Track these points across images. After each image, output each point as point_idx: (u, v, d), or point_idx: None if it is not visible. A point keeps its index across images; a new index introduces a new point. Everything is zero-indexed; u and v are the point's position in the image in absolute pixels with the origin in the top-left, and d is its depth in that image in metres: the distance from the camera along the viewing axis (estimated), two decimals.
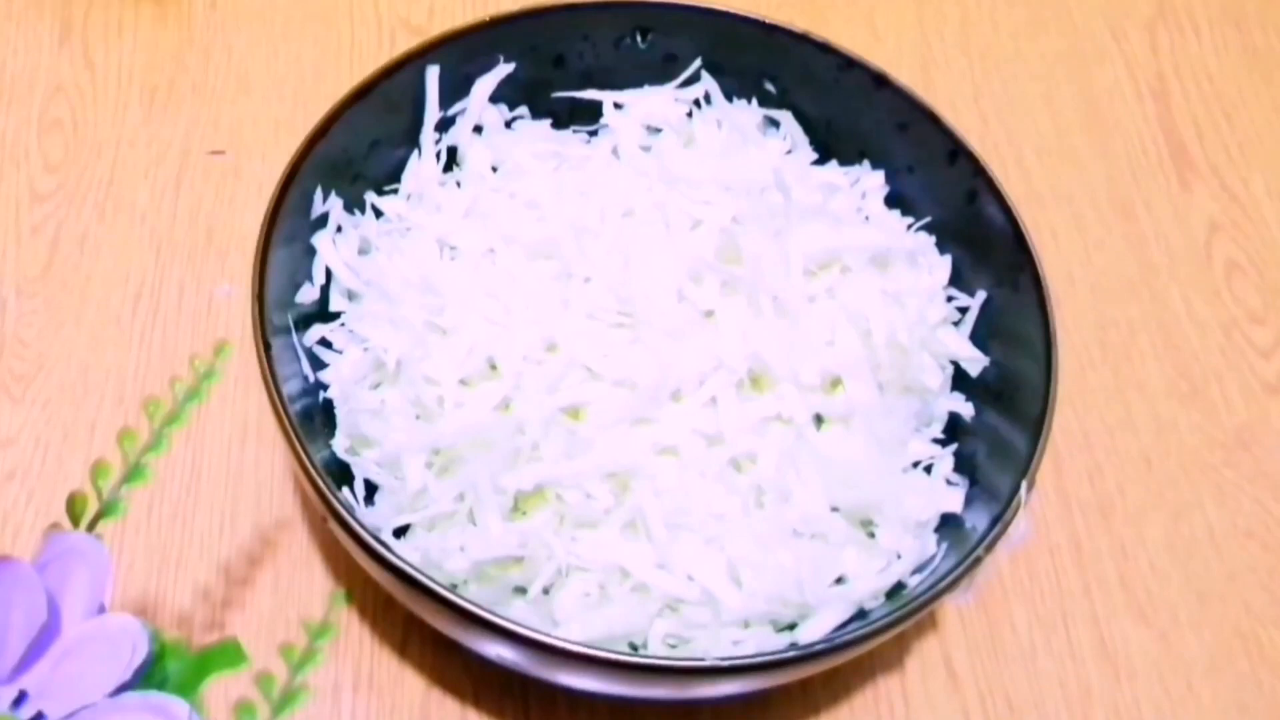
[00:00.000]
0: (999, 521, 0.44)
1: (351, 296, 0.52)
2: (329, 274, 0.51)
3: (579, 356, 0.48)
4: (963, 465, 0.50)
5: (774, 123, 0.57)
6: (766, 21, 0.55)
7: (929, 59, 0.69)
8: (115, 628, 0.34)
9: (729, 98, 0.56)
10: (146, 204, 0.60)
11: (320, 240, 0.51)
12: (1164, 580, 0.54)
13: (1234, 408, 0.59)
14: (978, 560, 0.43)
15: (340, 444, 0.48)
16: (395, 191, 0.54)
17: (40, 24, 0.65)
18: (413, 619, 0.49)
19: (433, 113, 0.54)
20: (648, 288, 0.50)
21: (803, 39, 0.55)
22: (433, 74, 0.53)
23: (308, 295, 0.50)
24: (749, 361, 0.48)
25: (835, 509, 0.48)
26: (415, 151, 0.54)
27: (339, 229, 0.52)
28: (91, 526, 0.36)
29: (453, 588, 0.42)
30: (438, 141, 0.54)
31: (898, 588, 0.47)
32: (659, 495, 0.46)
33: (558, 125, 0.57)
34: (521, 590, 0.46)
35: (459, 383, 0.48)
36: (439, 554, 0.46)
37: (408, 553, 0.44)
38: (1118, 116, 0.68)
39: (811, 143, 0.57)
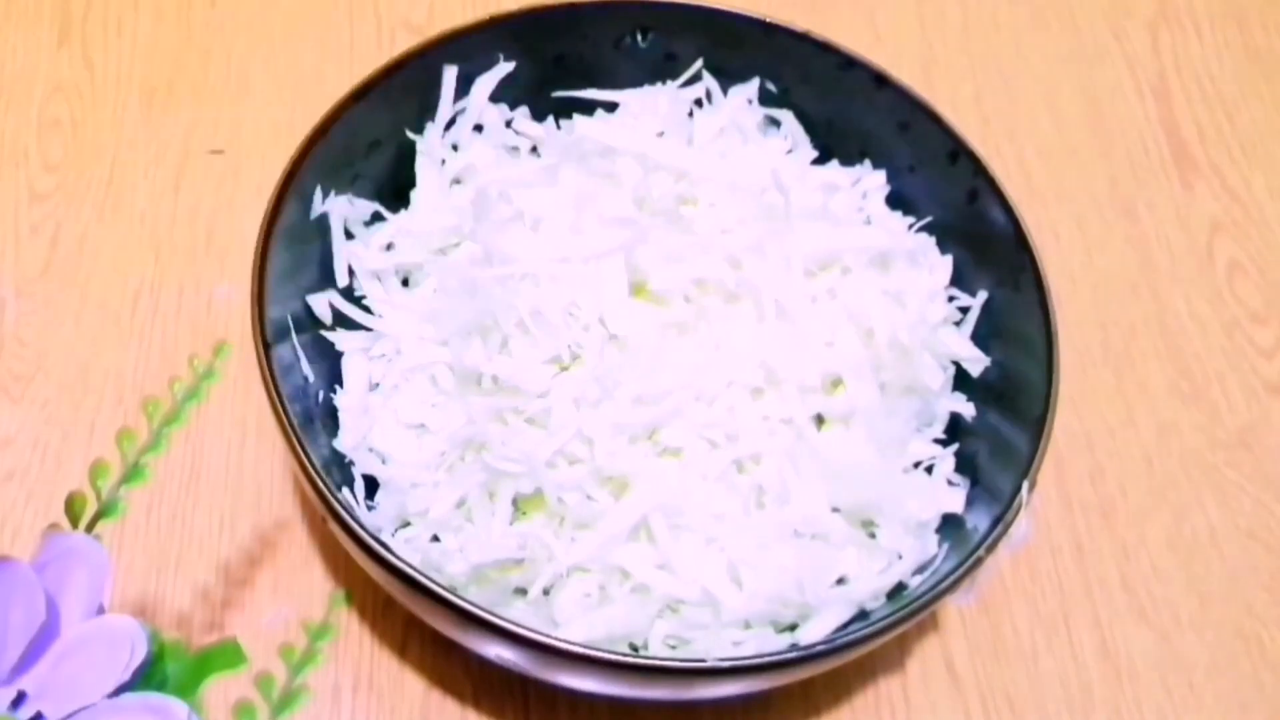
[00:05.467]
0: (1000, 522, 0.44)
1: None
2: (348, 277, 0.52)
3: (592, 373, 0.48)
4: (964, 465, 0.50)
5: (775, 122, 0.57)
6: (767, 21, 0.55)
7: (930, 58, 0.69)
8: (114, 628, 0.34)
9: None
10: (146, 204, 0.60)
11: (349, 248, 0.52)
12: (1165, 581, 0.54)
13: (1236, 408, 0.59)
14: (979, 561, 0.43)
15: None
16: (394, 193, 0.54)
17: (40, 24, 0.65)
18: (413, 620, 0.49)
19: (445, 112, 0.54)
20: (655, 292, 0.50)
21: (803, 38, 0.55)
22: (450, 74, 0.53)
23: (325, 303, 0.51)
24: (760, 370, 0.48)
25: (836, 509, 0.48)
26: (418, 154, 0.54)
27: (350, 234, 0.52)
28: (90, 527, 0.36)
29: (453, 590, 0.42)
30: (442, 137, 0.55)
31: (899, 588, 0.47)
32: (660, 496, 0.46)
33: (558, 125, 0.57)
34: (522, 591, 0.46)
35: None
36: (439, 556, 0.46)
37: (408, 554, 0.44)
38: (1119, 116, 0.68)
39: (812, 142, 0.57)
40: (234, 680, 0.34)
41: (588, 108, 0.56)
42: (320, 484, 0.43)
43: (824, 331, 0.50)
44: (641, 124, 0.55)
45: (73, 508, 0.36)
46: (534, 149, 0.56)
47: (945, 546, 0.47)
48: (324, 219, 0.51)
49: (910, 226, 0.54)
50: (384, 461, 0.49)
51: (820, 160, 0.57)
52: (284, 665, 0.34)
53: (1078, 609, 0.53)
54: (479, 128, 0.56)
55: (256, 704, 0.33)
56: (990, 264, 0.52)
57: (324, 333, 0.51)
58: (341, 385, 0.50)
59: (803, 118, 0.56)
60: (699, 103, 0.57)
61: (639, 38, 0.56)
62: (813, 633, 0.45)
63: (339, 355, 0.51)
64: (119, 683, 0.33)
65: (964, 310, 0.53)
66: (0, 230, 0.59)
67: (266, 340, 0.46)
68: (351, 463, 0.48)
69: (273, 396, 0.44)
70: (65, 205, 0.60)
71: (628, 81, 0.56)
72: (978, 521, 0.47)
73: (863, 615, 0.46)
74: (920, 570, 0.47)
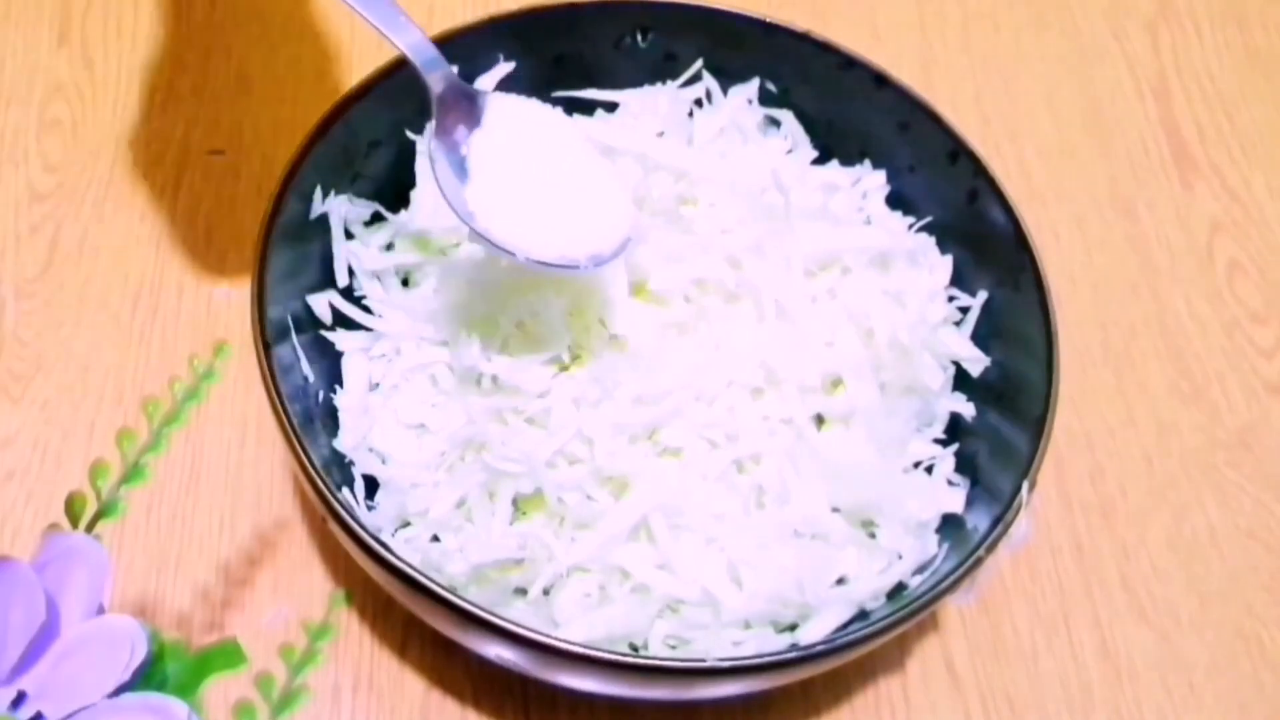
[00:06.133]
0: (1000, 522, 0.44)
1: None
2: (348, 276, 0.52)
3: (593, 373, 0.48)
4: (964, 465, 0.50)
5: (775, 122, 0.57)
6: (767, 21, 0.55)
7: (930, 58, 0.69)
8: (114, 628, 0.34)
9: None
10: (146, 204, 0.60)
11: (349, 248, 0.52)
12: (1165, 581, 0.54)
13: (1236, 408, 0.59)
14: (979, 561, 0.43)
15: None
16: (394, 193, 0.54)
17: (40, 24, 0.65)
18: (413, 620, 0.49)
19: None
20: (655, 292, 0.50)
21: (803, 38, 0.55)
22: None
23: (325, 303, 0.51)
24: (760, 370, 0.48)
25: (836, 509, 0.48)
26: (418, 154, 0.54)
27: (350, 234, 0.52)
28: (90, 527, 0.36)
29: (453, 590, 0.42)
30: None
31: (899, 588, 0.47)
32: (660, 496, 0.46)
33: None
34: (522, 591, 0.46)
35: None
36: (439, 556, 0.46)
37: (408, 554, 0.44)
38: (1119, 116, 0.68)
39: (812, 142, 0.57)
40: (234, 680, 0.34)
41: (588, 108, 0.56)
42: (320, 484, 0.43)
43: (824, 331, 0.50)
44: (641, 124, 0.55)
45: (73, 507, 0.36)
46: None
47: (945, 546, 0.47)
48: (324, 219, 0.51)
49: (910, 226, 0.54)
50: (384, 461, 0.49)
51: (820, 160, 0.57)
52: (284, 665, 0.34)
53: (1078, 609, 0.53)
54: None
55: (256, 704, 0.33)
56: (990, 264, 0.52)
57: (324, 333, 0.51)
58: (341, 385, 0.50)
59: (803, 118, 0.56)
60: (699, 103, 0.57)
61: (639, 38, 0.56)
62: (813, 633, 0.45)
63: (339, 355, 0.51)
64: (119, 683, 0.33)
65: (964, 310, 0.53)
66: (0, 230, 0.59)
67: (266, 340, 0.46)
68: (351, 463, 0.48)
69: (273, 396, 0.44)
70: (65, 205, 0.60)
71: (628, 81, 0.56)
72: (978, 521, 0.47)
73: (863, 615, 0.46)
74: (920, 570, 0.47)
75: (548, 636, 0.41)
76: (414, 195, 0.54)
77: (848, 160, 0.56)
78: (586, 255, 0.46)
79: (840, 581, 0.47)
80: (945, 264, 0.54)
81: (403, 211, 0.54)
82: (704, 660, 0.41)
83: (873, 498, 0.48)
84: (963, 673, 0.51)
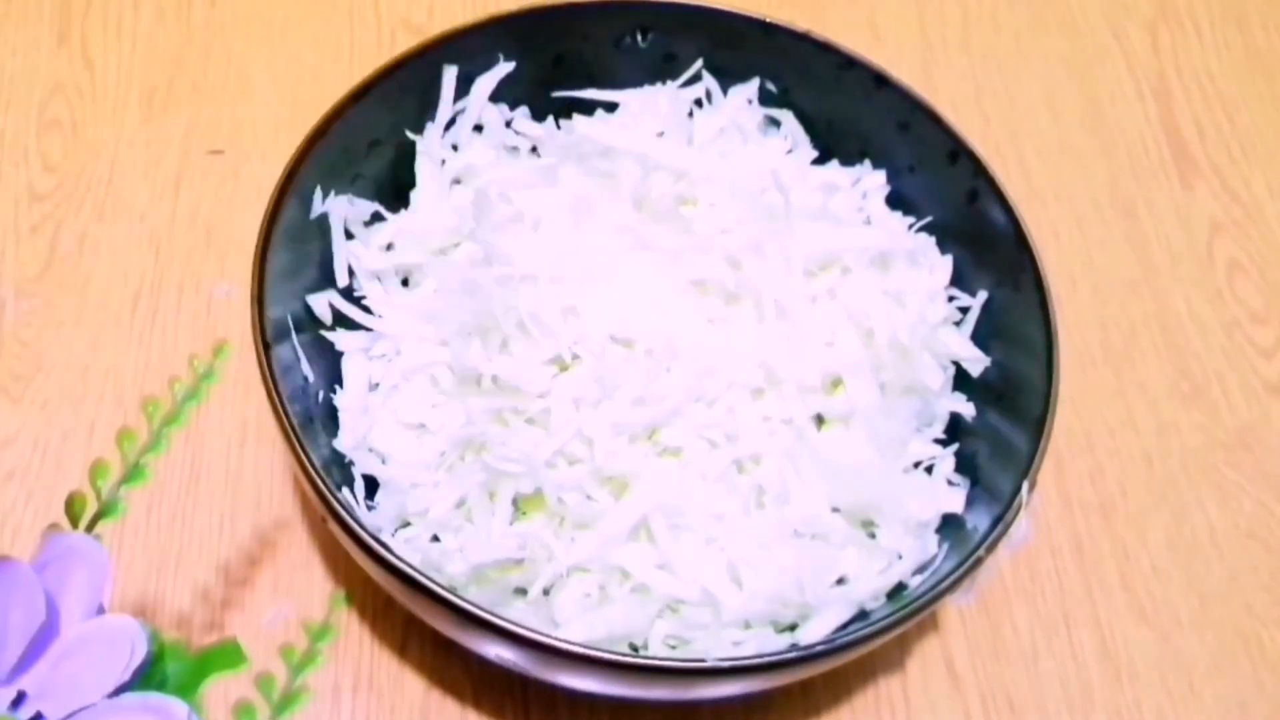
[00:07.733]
0: (1000, 522, 0.44)
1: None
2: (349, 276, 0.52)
3: (592, 373, 0.48)
4: (964, 465, 0.50)
5: (775, 122, 0.57)
6: (767, 21, 0.55)
7: (930, 58, 0.69)
8: (114, 628, 0.34)
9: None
10: (146, 204, 0.60)
11: (349, 248, 0.52)
12: (1165, 581, 0.54)
13: (1236, 408, 0.59)
14: (979, 561, 0.43)
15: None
16: (394, 193, 0.54)
17: (39, 24, 0.65)
18: (413, 620, 0.49)
19: (445, 112, 0.54)
20: (653, 297, 0.50)
21: (803, 38, 0.55)
22: (450, 74, 0.53)
23: (325, 303, 0.51)
24: (760, 370, 0.48)
25: (836, 509, 0.48)
26: (418, 154, 0.54)
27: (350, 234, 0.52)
28: (90, 527, 0.36)
29: (453, 590, 0.42)
30: (442, 137, 0.55)
31: (899, 588, 0.47)
32: (660, 496, 0.46)
33: (558, 125, 0.57)
34: (522, 591, 0.46)
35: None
36: (439, 556, 0.46)
37: (408, 554, 0.44)
38: (1119, 116, 0.68)
39: (812, 142, 0.57)
40: (234, 680, 0.34)
41: (588, 108, 0.56)
42: (320, 484, 0.43)
43: (824, 331, 0.50)
44: (641, 124, 0.55)
45: (73, 507, 0.36)
46: (534, 149, 0.56)
47: (945, 546, 0.47)
48: (324, 219, 0.51)
49: (910, 226, 0.54)
50: (384, 461, 0.49)
51: (820, 160, 0.57)
52: (284, 665, 0.34)
53: (1078, 609, 0.53)
54: (479, 128, 0.56)
55: (256, 704, 0.33)
56: (990, 264, 0.52)
57: (324, 333, 0.51)
58: (341, 385, 0.50)
59: (803, 118, 0.56)
60: (699, 103, 0.57)
61: (639, 38, 0.56)
62: (813, 633, 0.45)
63: (339, 355, 0.51)
64: (119, 683, 0.33)
65: (964, 310, 0.53)
66: (0, 230, 0.59)
67: (266, 340, 0.46)
68: (351, 463, 0.48)
69: (273, 396, 0.44)
70: (65, 205, 0.60)
71: (628, 81, 0.56)
72: (978, 521, 0.47)
73: (863, 615, 0.46)
74: (920, 570, 0.47)
75: (548, 636, 0.41)
76: (414, 195, 0.54)
77: (848, 160, 0.56)
78: None
79: (840, 581, 0.47)
80: (945, 264, 0.54)
81: (403, 211, 0.54)
82: (704, 660, 0.41)
83: (873, 498, 0.48)
84: (963, 673, 0.51)
